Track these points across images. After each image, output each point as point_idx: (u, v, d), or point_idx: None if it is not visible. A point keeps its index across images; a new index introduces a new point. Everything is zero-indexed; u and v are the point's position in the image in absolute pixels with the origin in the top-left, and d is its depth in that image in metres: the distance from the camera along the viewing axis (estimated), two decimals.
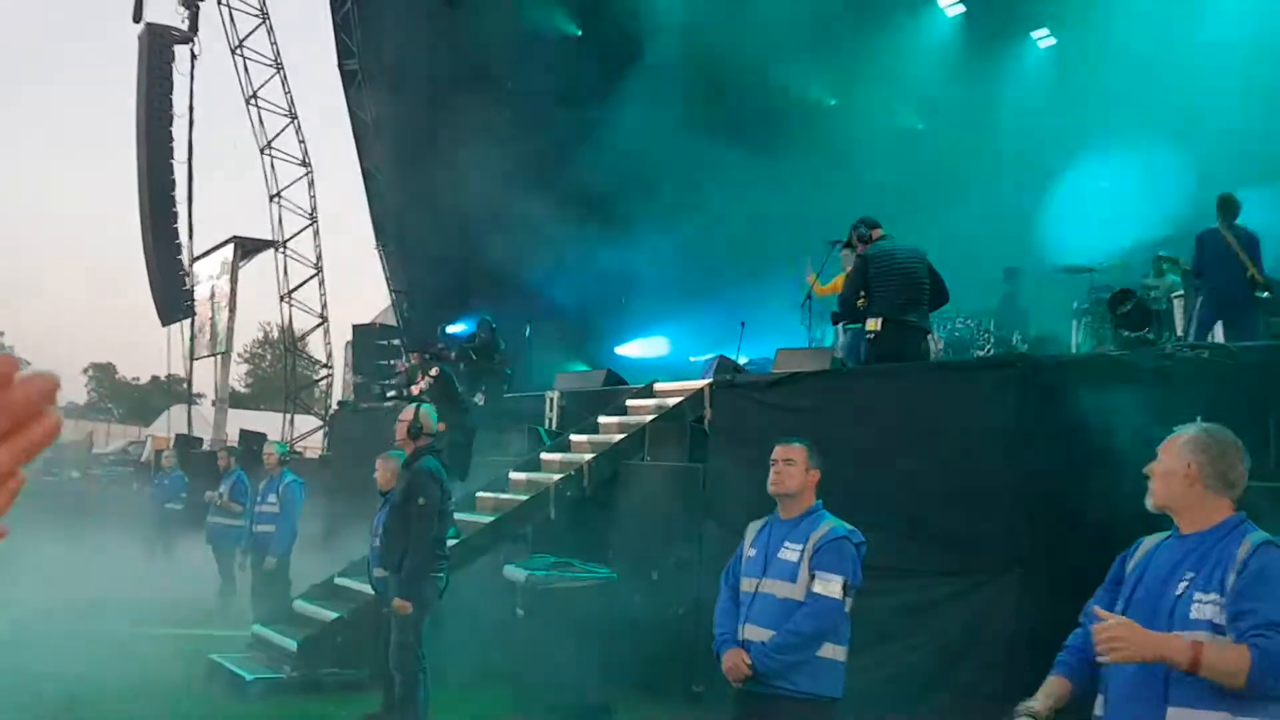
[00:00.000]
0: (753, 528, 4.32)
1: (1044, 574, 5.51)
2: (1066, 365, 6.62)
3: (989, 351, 10.45)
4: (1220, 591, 2.71)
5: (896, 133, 15.45)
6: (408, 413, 6.99)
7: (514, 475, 9.80)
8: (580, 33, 16.48)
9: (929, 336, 8.59)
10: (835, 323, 8.84)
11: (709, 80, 14.98)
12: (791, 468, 4.22)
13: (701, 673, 7.26)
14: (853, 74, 15.59)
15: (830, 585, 3.97)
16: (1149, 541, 3.04)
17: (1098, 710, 2.96)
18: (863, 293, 7.93)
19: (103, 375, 71.19)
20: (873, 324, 7.85)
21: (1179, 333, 9.21)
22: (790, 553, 4.08)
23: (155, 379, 60.10)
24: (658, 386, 10.20)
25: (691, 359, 14.33)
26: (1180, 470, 2.90)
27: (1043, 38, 15.52)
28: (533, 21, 15.62)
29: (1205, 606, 2.72)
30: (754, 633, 4.05)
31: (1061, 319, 10.97)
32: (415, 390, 10.56)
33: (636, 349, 16.72)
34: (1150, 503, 2.95)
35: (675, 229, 14.50)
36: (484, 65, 14.97)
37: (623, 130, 13.58)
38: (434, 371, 10.44)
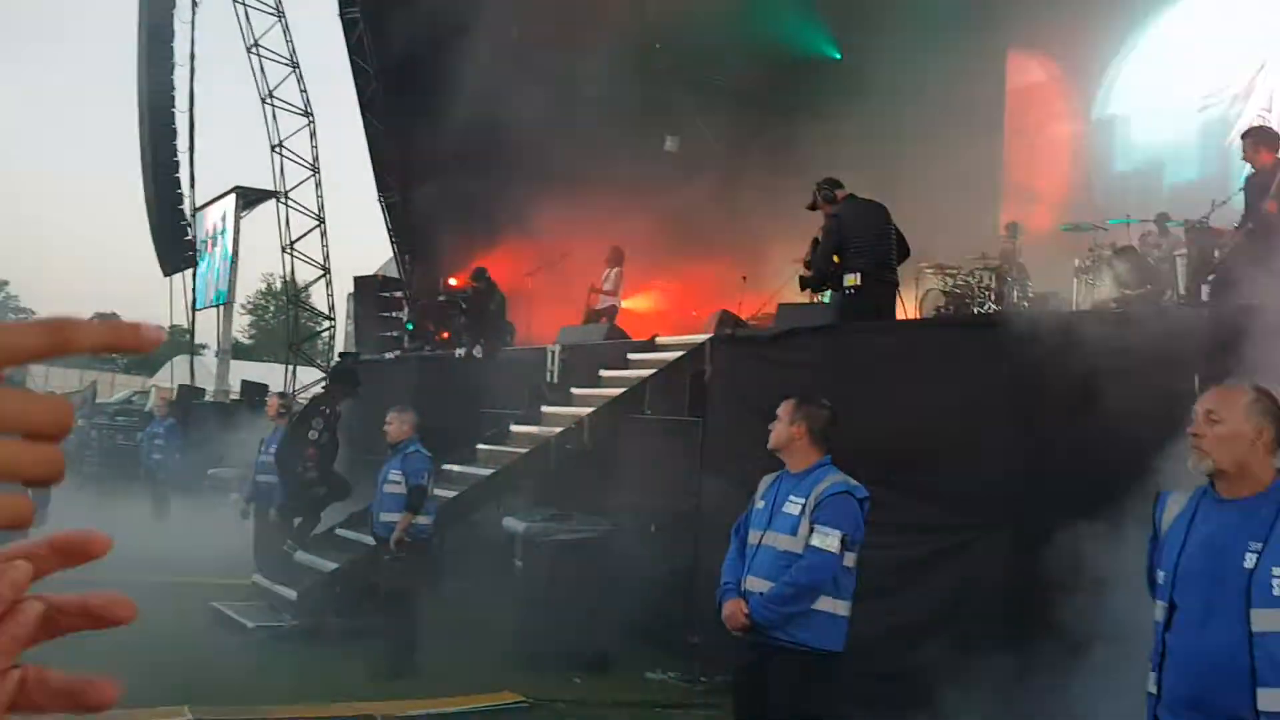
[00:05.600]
0: (765, 481, 4.35)
1: (1037, 529, 5.53)
2: (1066, 322, 6.58)
3: (989, 308, 10.42)
4: None
5: (899, 88, 15.28)
6: None
7: (515, 428, 9.84)
8: None
9: (899, 291, 8.70)
10: (803, 289, 8.78)
11: (705, 38, 14.76)
12: (777, 423, 4.27)
13: (698, 624, 7.33)
14: (859, 28, 15.41)
15: (828, 539, 3.99)
16: (1177, 500, 2.98)
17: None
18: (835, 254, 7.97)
19: None
20: (851, 279, 7.89)
21: (1181, 290, 9.16)
22: (793, 506, 4.11)
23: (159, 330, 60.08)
24: (659, 340, 10.20)
25: (693, 313, 14.30)
26: (1250, 434, 2.82)
27: None
28: None
29: None
30: (754, 584, 4.09)
31: (1063, 276, 10.92)
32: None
33: (640, 304, 16.68)
34: (1204, 466, 2.84)
35: (677, 184, 14.41)
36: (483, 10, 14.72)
37: (617, 80, 13.45)
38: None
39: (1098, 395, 5.14)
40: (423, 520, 7.29)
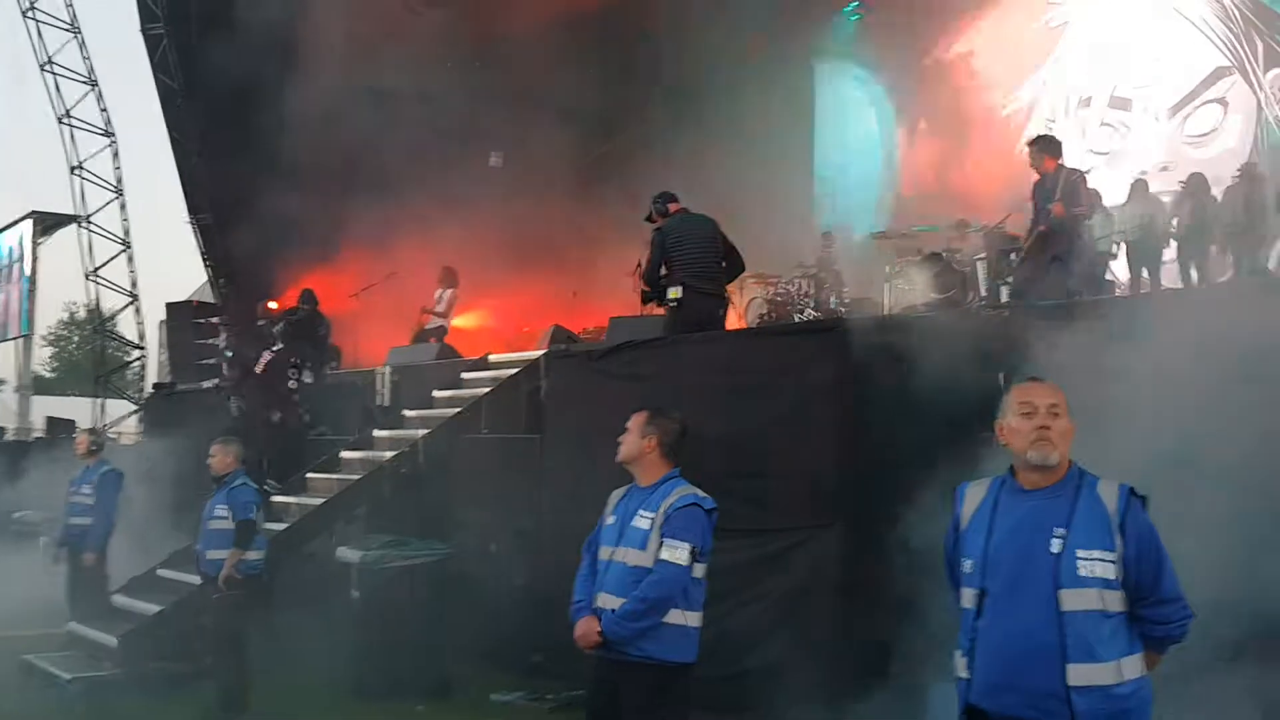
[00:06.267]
0: (615, 495, 4.32)
1: (865, 527, 5.78)
2: (880, 326, 6.91)
3: (808, 314, 10.84)
4: (1107, 548, 2.89)
5: (717, 99, 15.75)
6: None
7: (345, 455, 9.58)
8: None
9: (726, 303, 8.92)
10: (645, 303, 8.95)
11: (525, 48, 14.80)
12: (626, 435, 4.27)
13: (541, 642, 7.33)
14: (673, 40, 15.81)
15: (677, 552, 4.00)
16: (975, 491, 3.15)
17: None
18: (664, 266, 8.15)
19: None
20: (674, 292, 8.09)
21: (983, 292, 9.76)
22: (643, 520, 4.09)
23: None
24: (492, 358, 10.13)
25: (525, 329, 14.27)
26: (1071, 430, 3.03)
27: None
28: None
29: (1095, 564, 2.88)
30: (606, 600, 4.07)
31: (875, 281, 11.45)
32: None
33: (470, 320, 16.51)
34: (1053, 457, 2.99)
35: (505, 200, 14.38)
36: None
37: (444, 95, 13.36)
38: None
39: (915, 393, 5.42)
40: (253, 555, 7.01)
